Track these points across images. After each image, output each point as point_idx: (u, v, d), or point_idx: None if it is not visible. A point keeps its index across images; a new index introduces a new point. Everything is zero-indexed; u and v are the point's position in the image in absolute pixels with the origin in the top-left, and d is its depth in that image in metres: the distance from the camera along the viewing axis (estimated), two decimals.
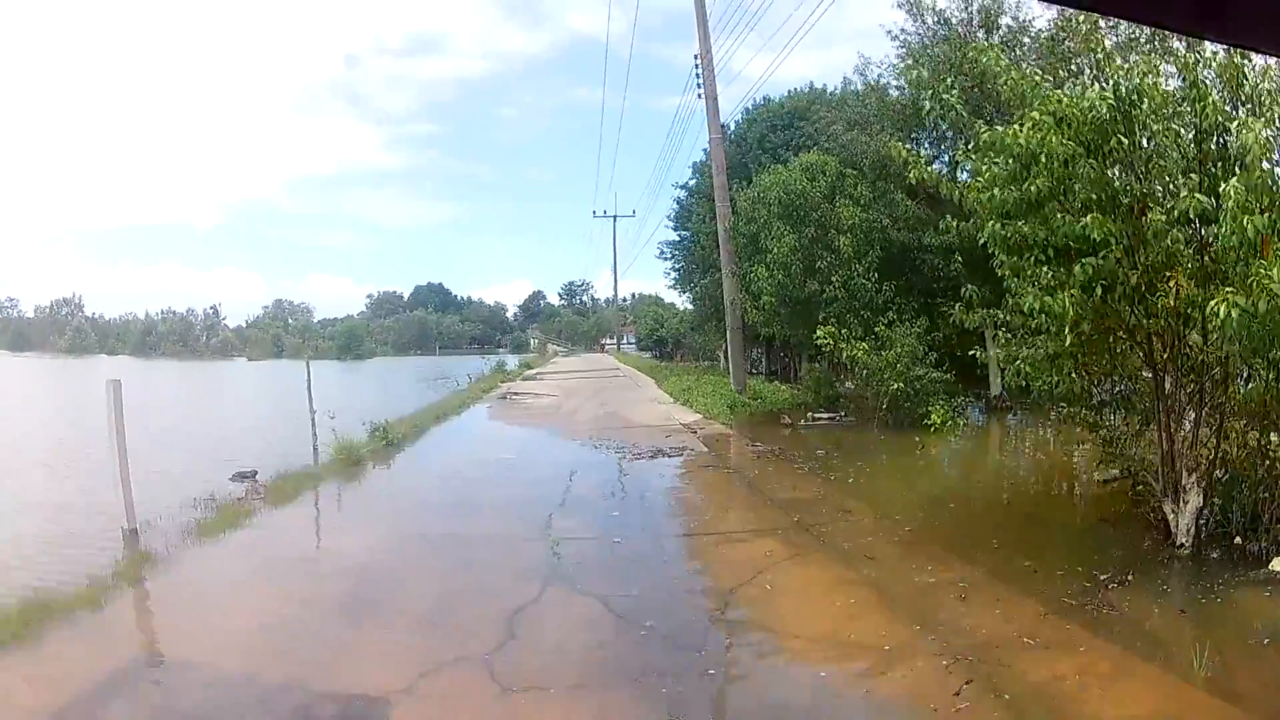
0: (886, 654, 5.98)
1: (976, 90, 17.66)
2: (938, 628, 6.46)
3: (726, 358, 40.63)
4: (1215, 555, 7.99)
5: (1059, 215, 8.04)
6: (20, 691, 5.63)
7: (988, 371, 20.50)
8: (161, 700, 5.55)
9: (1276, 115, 7.64)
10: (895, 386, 17.77)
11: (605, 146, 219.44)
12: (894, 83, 22.23)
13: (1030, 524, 10.03)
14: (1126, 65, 8.14)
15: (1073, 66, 12.45)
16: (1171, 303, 7.74)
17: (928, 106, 9.76)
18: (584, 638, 6.47)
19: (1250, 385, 8.36)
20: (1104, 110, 7.65)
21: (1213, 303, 6.73)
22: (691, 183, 39.75)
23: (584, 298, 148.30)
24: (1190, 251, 7.88)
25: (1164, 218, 7.60)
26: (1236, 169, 7.23)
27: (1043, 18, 18.74)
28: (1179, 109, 7.93)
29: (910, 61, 20.80)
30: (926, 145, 21.83)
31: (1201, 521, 8.26)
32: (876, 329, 18.92)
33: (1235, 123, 7.38)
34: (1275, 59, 7.05)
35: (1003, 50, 13.21)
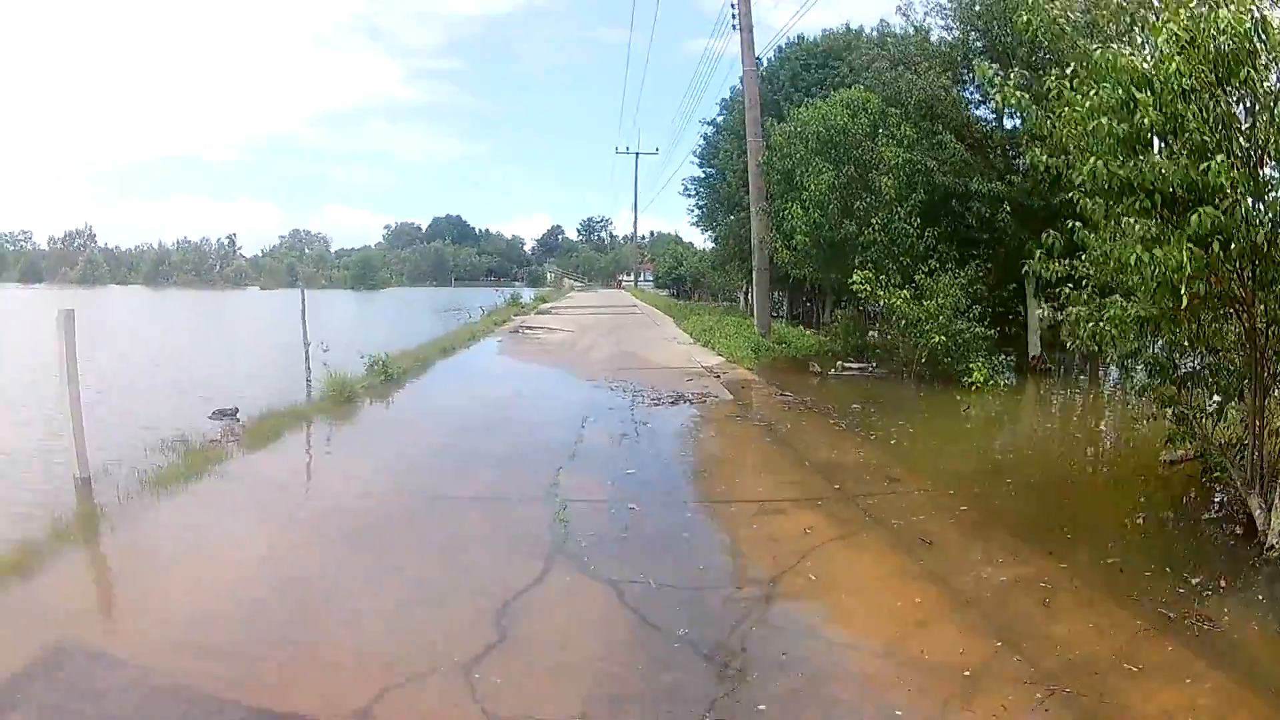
0: (969, 680, 4.76)
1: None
2: (1023, 643, 5.25)
3: (747, 299, 39.83)
4: None
5: (1176, 155, 6.79)
6: None
7: (1024, 329, 19.41)
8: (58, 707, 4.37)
9: None
10: (937, 340, 16.45)
11: (630, 85, 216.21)
12: (939, 23, 20.73)
13: (1099, 508, 8.76)
14: None
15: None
16: None
17: (1025, 18, 8.31)
18: (592, 644, 5.22)
19: None
20: (1243, 34, 6.37)
21: None
22: (720, 119, 38.62)
23: (603, 234, 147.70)
24: None
25: None
26: None
27: None
28: None
29: None
30: (971, 89, 20.59)
31: None
32: (916, 277, 17.56)
33: None
34: None
35: None
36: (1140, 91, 6.81)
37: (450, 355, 21.64)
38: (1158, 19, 7.10)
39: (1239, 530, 7.44)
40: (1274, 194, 6.70)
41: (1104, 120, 6.92)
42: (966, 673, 4.86)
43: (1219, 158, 6.34)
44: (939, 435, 12.31)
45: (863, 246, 19.01)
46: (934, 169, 19.07)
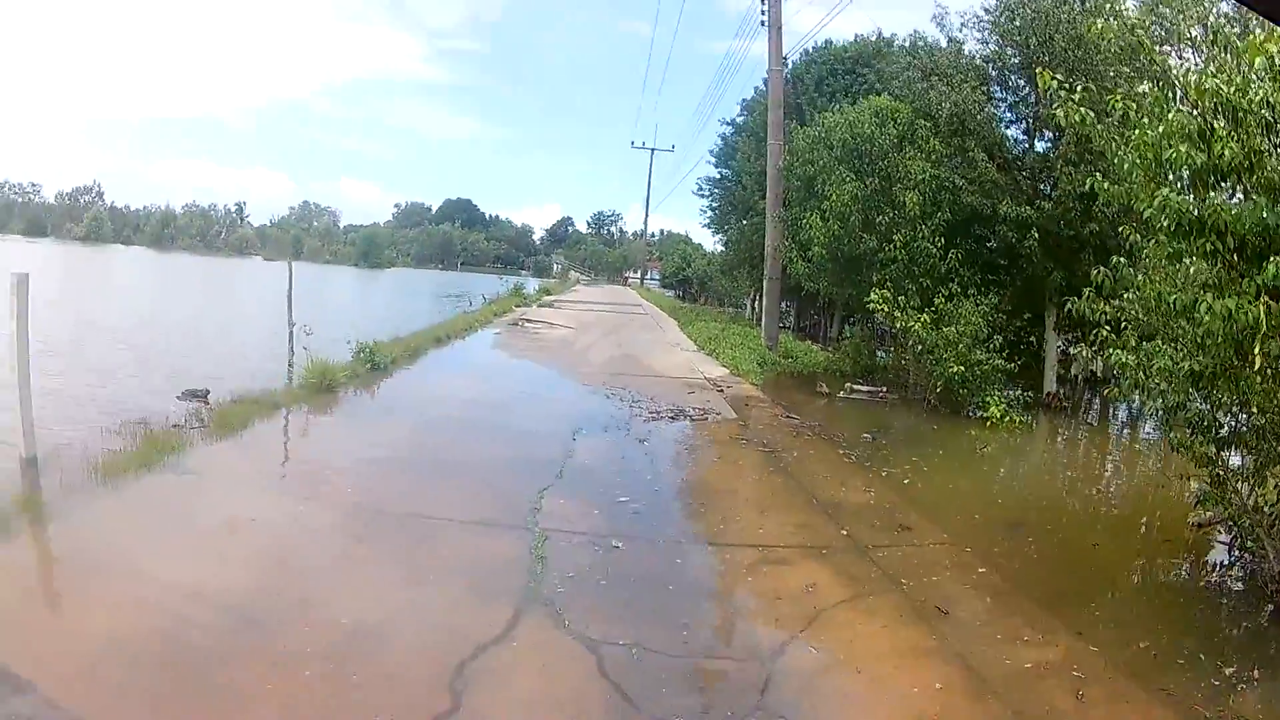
0: None
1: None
2: None
3: (754, 307, 39.10)
4: None
5: (1251, 195, 6.13)
6: None
7: (1040, 363, 18.68)
8: None
9: None
10: (955, 370, 15.62)
11: (650, 82, 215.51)
12: (975, 35, 19.91)
13: (1127, 577, 8.11)
14: None
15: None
16: None
17: (1099, 25, 7.52)
18: None
19: None
20: None
21: None
22: (740, 119, 37.72)
23: (612, 228, 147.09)
24: None
25: None
26: None
27: None
28: None
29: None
30: (1004, 108, 19.88)
31: None
32: (936, 300, 16.70)
33: None
34: None
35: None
36: (1218, 120, 6.09)
37: (444, 345, 20.79)
38: (1242, 42, 6.41)
39: (1269, 607, 7.03)
40: None
41: (1183, 149, 6.14)
42: None
43: None
44: (955, 476, 11.48)
45: (882, 263, 18.19)
46: (961, 187, 18.27)
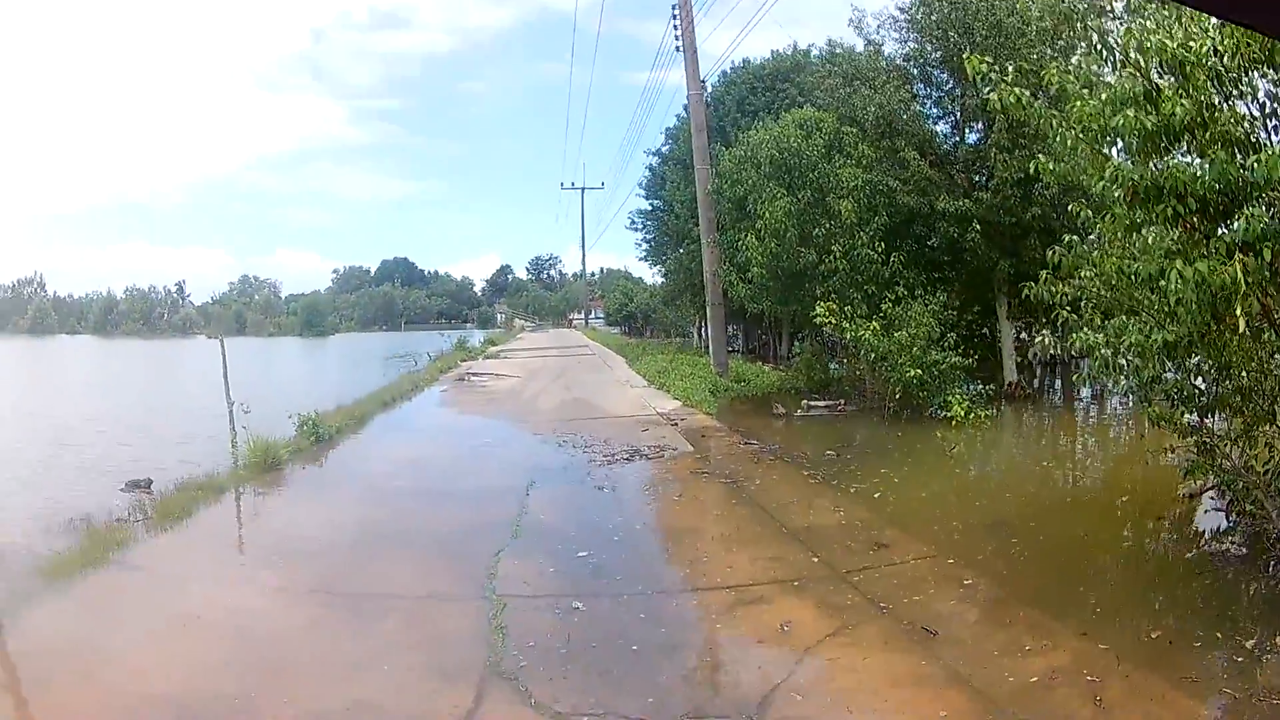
0: None
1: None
2: None
3: (700, 334, 38.78)
4: None
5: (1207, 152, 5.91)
6: None
7: (998, 354, 18.52)
8: None
9: None
10: (911, 374, 15.33)
11: (573, 121, 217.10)
12: (893, 36, 19.97)
13: (1123, 565, 7.84)
14: None
15: None
16: None
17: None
18: None
19: None
20: None
21: None
22: (665, 149, 37.43)
23: (552, 272, 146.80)
24: None
25: None
26: None
27: None
28: None
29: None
30: (930, 105, 19.87)
31: None
32: (883, 306, 16.54)
33: None
34: None
35: None
36: (1165, 78, 5.83)
37: (391, 408, 20.16)
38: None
39: (1275, 564, 6.90)
40: None
41: (1130, 114, 5.85)
42: None
43: (1270, 147, 5.31)
44: (926, 484, 11.15)
45: (824, 276, 18.09)
46: (896, 189, 18.18)
